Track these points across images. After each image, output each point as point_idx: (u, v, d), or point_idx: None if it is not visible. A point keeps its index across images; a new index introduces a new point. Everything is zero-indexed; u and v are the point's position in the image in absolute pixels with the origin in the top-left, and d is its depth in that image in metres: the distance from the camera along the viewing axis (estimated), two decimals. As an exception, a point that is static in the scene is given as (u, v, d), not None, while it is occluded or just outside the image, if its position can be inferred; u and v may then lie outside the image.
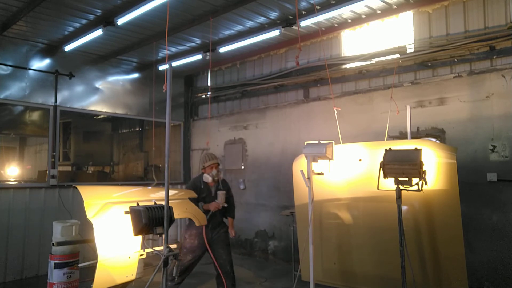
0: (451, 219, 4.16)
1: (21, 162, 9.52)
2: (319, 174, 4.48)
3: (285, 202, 7.48)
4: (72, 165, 9.60)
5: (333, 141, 4.47)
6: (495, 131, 5.47)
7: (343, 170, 4.80)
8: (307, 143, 4.45)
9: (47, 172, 7.34)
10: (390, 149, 4.10)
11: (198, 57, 7.92)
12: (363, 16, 6.54)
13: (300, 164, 4.90)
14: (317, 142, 4.43)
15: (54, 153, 7.35)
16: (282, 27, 6.55)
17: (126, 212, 3.85)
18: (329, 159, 4.35)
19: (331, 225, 5.00)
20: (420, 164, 3.82)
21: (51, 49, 7.44)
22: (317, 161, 4.37)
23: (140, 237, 5.07)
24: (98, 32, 6.53)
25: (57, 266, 5.16)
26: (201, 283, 6.41)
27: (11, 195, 6.67)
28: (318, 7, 5.93)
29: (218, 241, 5.05)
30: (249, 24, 6.76)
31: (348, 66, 7.03)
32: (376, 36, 6.84)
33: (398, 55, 6.38)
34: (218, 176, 5.06)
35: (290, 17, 6.46)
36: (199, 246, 4.98)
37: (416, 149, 3.98)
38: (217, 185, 5.11)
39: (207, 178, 5.03)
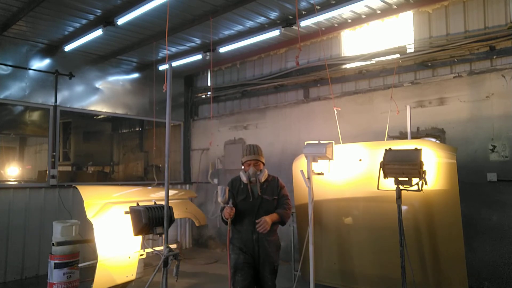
0: (451, 219, 4.17)
1: (21, 162, 9.53)
2: (319, 174, 4.48)
3: (285, 202, 7.47)
4: (72, 165, 9.61)
5: (333, 141, 4.47)
6: (495, 131, 5.47)
7: (343, 170, 4.81)
8: (307, 143, 4.45)
9: (47, 172, 7.33)
10: (390, 149, 4.10)
11: (198, 57, 7.92)
12: (363, 16, 6.54)
13: (300, 164, 4.90)
14: (317, 142, 4.43)
15: (54, 153, 7.35)
16: (282, 27, 6.55)
17: (126, 212, 3.85)
18: (329, 159, 4.35)
19: (331, 225, 5.00)
20: (420, 164, 3.82)
21: (51, 49, 7.43)
22: (317, 161, 4.37)
23: (140, 237, 5.09)
24: (98, 32, 6.53)
25: (57, 266, 5.16)
26: (202, 283, 6.40)
27: (11, 195, 6.66)
28: (318, 7, 5.93)
29: (265, 261, 3.88)
30: (249, 24, 6.76)
31: (348, 66, 7.03)
32: (376, 36, 6.84)
33: (398, 55, 6.38)
34: (256, 176, 3.95)
35: (290, 17, 6.46)
36: (246, 262, 3.85)
37: (416, 149, 3.98)
38: (261, 185, 3.98)
39: (242, 176, 4.00)
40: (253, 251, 3.87)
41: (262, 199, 3.93)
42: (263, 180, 3.99)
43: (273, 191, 4.00)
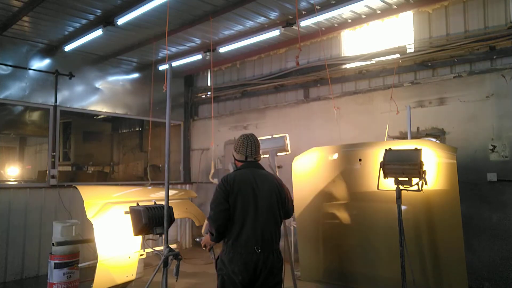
0: (451, 219, 4.16)
1: (21, 162, 9.53)
2: (279, 167, 4.65)
3: (285, 202, 7.47)
4: (72, 165, 9.61)
5: (287, 134, 4.76)
6: (495, 131, 5.47)
7: (343, 170, 4.80)
8: (261, 139, 4.23)
9: (47, 172, 7.33)
10: (390, 149, 4.10)
11: (198, 57, 7.92)
12: (363, 16, 6.54)
13: (299, 164, 4.90)
14: (270, 137, 4.57)
15: (54, 153, 7.34)
16: (282, 27, 6.55)
17: (126, 212, 3.86)
18: (287, 151, 4.47)
19: (331, 225, 5.00)
20: (420, 164, 3.82)
21: (51, 49, 7.43)
22: (277, 155, 4.52)
23: (140, 237, 5.09)
24: (98, 32, 6.52)
25: (57, 266, 5.16)
26: (201, 283, 6.40)
27: (11, 195, 6.65)
28: (318, 7, 5.93)
29: None
30: (249, 24, 6.76)
31: (348, 66, 7.03)
32: (376, 36, 6.84)
33: (398, 55, 6.38)
34: None
35: (290, 17, 6.46)
36: None
37: (416, 149, 3.98)
38: None
39: None
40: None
41: None
42: None
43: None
